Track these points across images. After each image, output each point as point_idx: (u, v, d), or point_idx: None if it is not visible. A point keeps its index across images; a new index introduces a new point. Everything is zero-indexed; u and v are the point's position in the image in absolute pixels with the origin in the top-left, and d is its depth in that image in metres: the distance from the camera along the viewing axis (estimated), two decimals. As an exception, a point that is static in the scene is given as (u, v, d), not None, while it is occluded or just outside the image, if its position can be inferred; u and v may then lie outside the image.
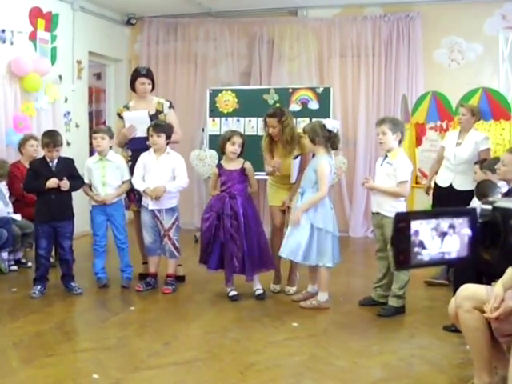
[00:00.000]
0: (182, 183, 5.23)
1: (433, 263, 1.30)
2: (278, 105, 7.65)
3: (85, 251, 6.37)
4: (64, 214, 5.09)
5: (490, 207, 1.34)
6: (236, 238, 4.89)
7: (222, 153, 5.09)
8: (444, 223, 1.27)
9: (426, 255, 1.27)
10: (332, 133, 4.70)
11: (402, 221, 1.26)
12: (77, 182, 5.16)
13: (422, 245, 1.26)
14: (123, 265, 5.41)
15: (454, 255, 1.29)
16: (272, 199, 5.31)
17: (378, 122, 4.79)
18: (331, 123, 4.77)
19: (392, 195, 4.59)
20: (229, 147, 4.95)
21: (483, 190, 4.74)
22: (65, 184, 5.00)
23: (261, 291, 5.05)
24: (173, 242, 5.23)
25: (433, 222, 1.26)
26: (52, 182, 4.94)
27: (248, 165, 5.02)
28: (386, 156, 4.67)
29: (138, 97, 5.66)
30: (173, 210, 5.23)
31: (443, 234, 1.27)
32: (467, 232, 1.31)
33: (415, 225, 1.25)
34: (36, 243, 5.21)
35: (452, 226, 1.28)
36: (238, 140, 4.94)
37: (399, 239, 1.26)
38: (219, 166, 5.07)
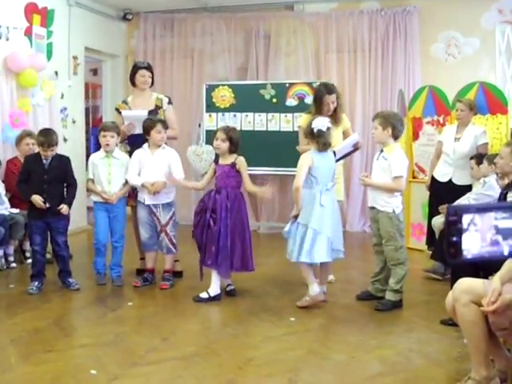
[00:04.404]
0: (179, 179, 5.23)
1: (485, 258, 1.28)
2: (274, 100, 7.67)
3: (82, 247, 6.38)
4: (56, 211, 5.08)
5: None
6: (213, 231, 4.84)
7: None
8: (498, 218, 1.25)
9: (477, 249, 1.25)
10: (315, 131, 4.63)
11: (454, 214, 1.25)
12: (71, 189, 5.15)
13: (473, 239, 1.24)
14: (113, 263, 5.35)
15: (509, 250, 1.27)
16: None
17: (372, 117, 4.81)
18: (319, 121, 4.66)
19: (387, 190, 4.60)
20: (214, 143, 4.97)
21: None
22: (65, 210, 5.05)
23: (232, 287, 5.05)
24: (170, 237, 5.23)
25: (486, 216, 1.24)
26: (37, 202, 4.94)
27: (240, 160, 4.96)
28: (382, 151, 4.67)
29: (137, 91, 5.66)
30: (169, 205, 5.24)
31: (497, 229, 1.25)
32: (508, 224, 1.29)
33: (467, 218, 1.23)
34: (30, 239, 5.21)
35: (499, 220, 1.26)
36: (220, 135, 4.92)
37: (450, 232, 1.24)
38: (216, 161, 5.07)
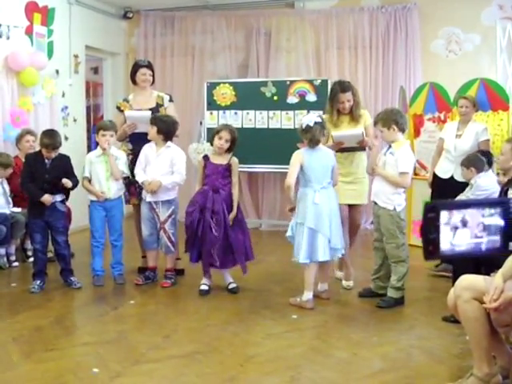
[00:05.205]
0: (178, 179, 5.22)
1: (463, 254, 1.28)
2: (275, 98, 7.66)
3: (84, 246, 6.35)
4: (56, 210, 5.08)
5: None
6: (216, 232, 4.87)
7: (212, 145, 5.09)
8: (476, 214, 1.25)
9: (456, 246, 1.25)
10: (304, 127, 4.62)
11: (432, 211, 1.24)
12: (72, 180, 5.14)
13: (452, 235, 1.23)
14: (114, 262, 5.36)
15: (486, 246, 1.27)
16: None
17: (373, 123, 4.76)
18: (307, 117, 4.69)
19: (392, 185, 4.58)
20: (215, 141, 4.95)
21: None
22: (66, 182, 5.03)
23: (234, 285, 5.06)
24: (168, 235, 5.22)
25: (464, 213, 1.24)
26: (46, 201, 4.98)
27: (234, 161, 4.99)
28: (390, 146, 4.64)
29: (138, 89, 5.67)
30: (169, 202, 5.23)
31: (464, 223, 1.25)
32: (499, 223, 1.29)
33: (445, 215, 1.22)
34: (31, 238, 5.23)
35: (485, 217, 1.26)
36: (225, 135, 4.93)
37: (428, 229, 1.23)
38: (206, 157, 5.06)
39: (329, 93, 5.30)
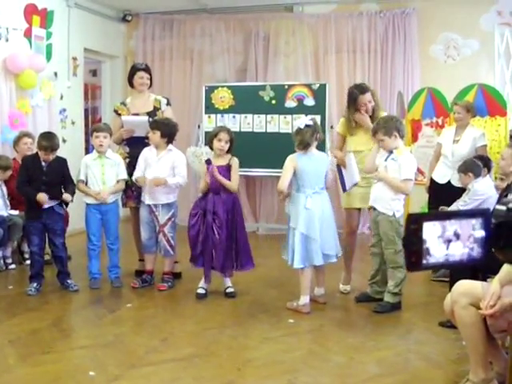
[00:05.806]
0: (181, 181, 5.21)
1: (445, 265, 1.29)
2: (273, 101, 7.68)
3: (81, 248, 6.34)
4: (54, 213, 5.08)
5: (504, 208, 1.35)
6: (218, 234, 4.88)
7: (211, 148, 5.09)
8: (458, 225, 1.25)
9: (438, 257, 1.25)
10: (296, 130, 4.64)
11: (415, 222, 1.23)
12: (69, 188, 5.14)
13: (434, 246, 1.23)
14: (110, 265, 5.37)
15: (466, 257, 1.28)
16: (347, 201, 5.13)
17: (372, 132, 4.70)
18: (299, 120, 4.69)
19: (394, 190, 4.56)
20: (215, 144, 4.95)
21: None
22: (67, 196, 5.06)
23: (232, 289, 5.05)
24: (167, 238, 5.22)
25: (446, 224, 1.24)
26: (41, 200, 4.95)
27: (234, 161, 5.00)
28: (392, 152, 4.59)
29: (135, 93, 5.67)
30: (169, 205, 5.23)
31: (457, 236, 1.25)
32: (481, 233, 1.29)
33: (428, 226, 1.22)
34: (28, 240, 5.22)
35: (476, 231, 1.26)
36: (224, 136, 4.93)
37: (411, 241, 1.23)
38: (208, 161, 5.07)
39: (347, 98, 5.14)
